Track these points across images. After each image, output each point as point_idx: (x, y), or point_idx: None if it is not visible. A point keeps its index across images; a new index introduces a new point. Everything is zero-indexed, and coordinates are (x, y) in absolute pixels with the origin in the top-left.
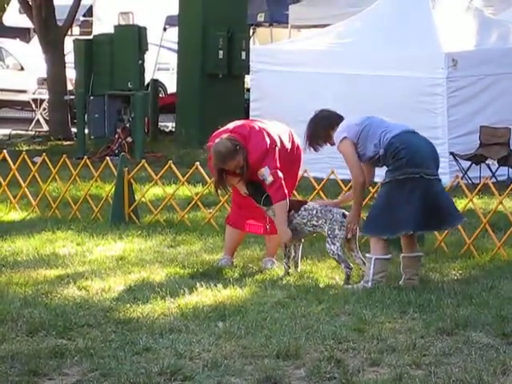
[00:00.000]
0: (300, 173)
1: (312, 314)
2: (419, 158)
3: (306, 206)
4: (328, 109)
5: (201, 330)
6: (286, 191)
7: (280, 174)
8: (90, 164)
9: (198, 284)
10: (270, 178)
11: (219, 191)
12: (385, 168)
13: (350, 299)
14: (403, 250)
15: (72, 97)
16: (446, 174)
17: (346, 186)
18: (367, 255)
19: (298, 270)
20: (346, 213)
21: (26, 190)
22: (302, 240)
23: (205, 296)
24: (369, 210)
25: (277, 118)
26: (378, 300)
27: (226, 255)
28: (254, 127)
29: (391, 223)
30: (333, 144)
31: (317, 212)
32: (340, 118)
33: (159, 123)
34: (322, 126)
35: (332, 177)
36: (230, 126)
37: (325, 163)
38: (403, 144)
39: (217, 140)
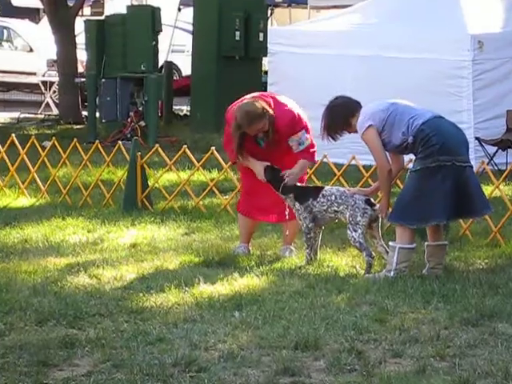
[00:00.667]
0: (318, 158)
1: (332, 304)
2: (451, 144)
3: (324, 192)
4: (344, 95)
5: (216, 319)
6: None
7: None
8: (101, 148)
9: (213, 273)
10: (307, 142)
11: (240, 158)
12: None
13: (372, 289)
14: (428, 238)
15: (83, 79)
16: (472, 160)
17: (367, 172)
18: (391, 243)
19: (317, 257)
20: (370, 199)
21: (35, 175)
22: (322, 228)
23: (220, 285)
24: (396, 197)
25: (295, 101)
26: (401, 290)
27: (242, 243)
28: (275, 97)
29: (422, 213)
30: (352, 132)
31: (336, 198)
32: (359, 105)
33: (173, 107)
34: (342, 114)
35: (353, 163)
36: (249, 96)
37: (345, 148)
38: (434, 130)
39: (243, 102)
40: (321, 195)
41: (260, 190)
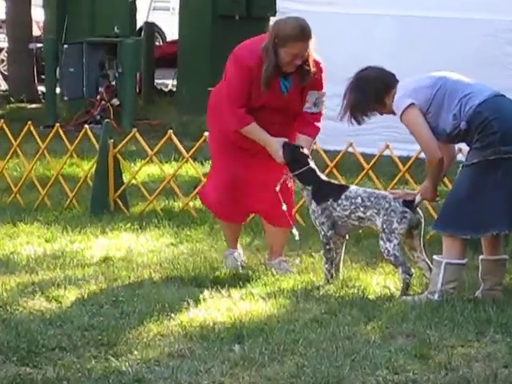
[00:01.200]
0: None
1: (359, 336)
2: None
3: (347, 192)
4: (375, 65)
5: (210, 355)
6: None
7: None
8: (62, 134)
9: (206, 294)
10: (321, 107)
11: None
12: None
13: (410, 316)
14: (484, 251)
15: (39, 45)
16: None
17: (404, 165)
18: (435, 258)
19: (340, 275)
20: (409, 200)
21: None
22: (346, 237)
23: (216, 310)
24: (444, 199)
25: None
26: (448, 317)
27: (229, 248)
28: None
29: (478, 219)
30: (384, 113)
31: (363, 200)
32: (395, 78)
33: (155, 81)
34: (373, 90)
35: (386, 153)
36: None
37: (376, 135)
38: (494, 113)
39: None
40: (343, 197)
41: (250, 192)
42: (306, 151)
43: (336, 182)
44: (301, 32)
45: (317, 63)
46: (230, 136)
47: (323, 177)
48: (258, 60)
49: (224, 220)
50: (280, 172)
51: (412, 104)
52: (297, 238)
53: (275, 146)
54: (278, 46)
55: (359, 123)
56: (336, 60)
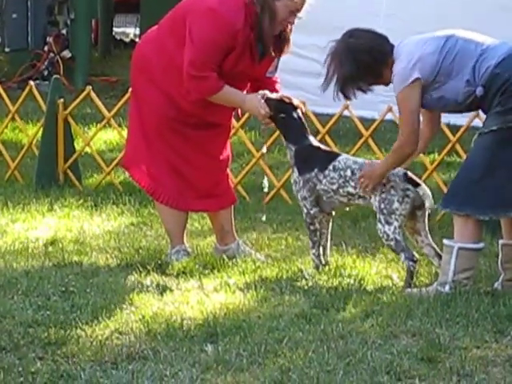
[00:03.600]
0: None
1: (355, 334)
2: None
3: (336, 162)
4: (364, 29)
5: (178, 356)
6: None
7: None
8: (2, 93)
9: (173, 285)
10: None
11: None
12: None
13: (416, 311)
14: (504, 235)
15: None
16: None
17: None
18: (446, 242)
19: (328, 260)
20: (410, 173)
21: None
22: (333, 213)
23: (185, 303)
24: (457, 173)
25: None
26: (460, 313)
27: (176, 245)
28: None
29: (498, 197)
30: (380, 84)
31: (353, 172)
32: (390, 44)
33: (114, 29)
34: (370, 61)
35: (388, 117)
36: None
37: (376, 95)
38: None
39: None
40: (331, 167)
41: (193, 161)
42: (295, 101)
43: (325, 148)
44: None
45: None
46: (178, 105)
47: (313, 140)
48: (244, 21)
49: (168, 205)
50: (225, 147)
51: (417, 79)
52: (265, 189)
53: (254, 101)
54: None
55: (348, 98)
56: (330, 7)
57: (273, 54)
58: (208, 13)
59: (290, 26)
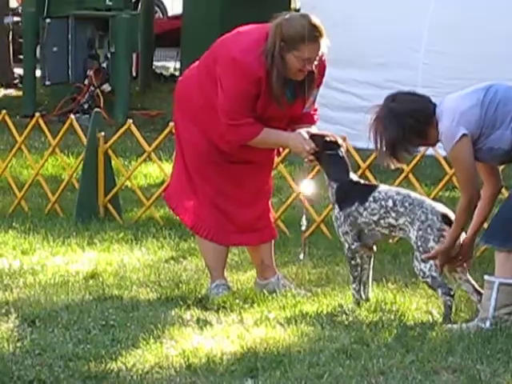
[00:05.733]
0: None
1: (396, 370)
2: None
3: (376, 193)
4: (406, 91)
5: None
6: None
7: None
8: (43, 125)
9: (213, 319)
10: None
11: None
12: None
13: (457, 347)
14: None
15: (16, 19)
16: None
17: (451, 168)
18: (487, 278)
19: (370, 296)
20: (449, 214)
21: None
22: (374, 249)
23: (225, 338)
24: (498, 207)
25: (340, 52)
26: (501, 349)
27: (216, 279)
28: None
29: None
30: (429, 145)
31: (395, 204)
32: (432, 103)
33: (154, 63)
34: (414, 124)
35: (429, 152)
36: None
37: None
38: None
39: (288, 16)
40: (371, 198)
41: (234, 196)
42: (339, 139)
43: (364, 182)
44: (312, 30)
45: (320, 58)
46: (218, 145)
47: (353, 176)
48: (266, 67)
49: (213, 239)
50: (266, 182)
51: (464, 135)
52: (303, 228)
53: (299, 138)
54: (285, 50)
55: (401, 161)
56: (367, 43)
57: (302, 95)
58: (231, 62)
59: (312, 69)
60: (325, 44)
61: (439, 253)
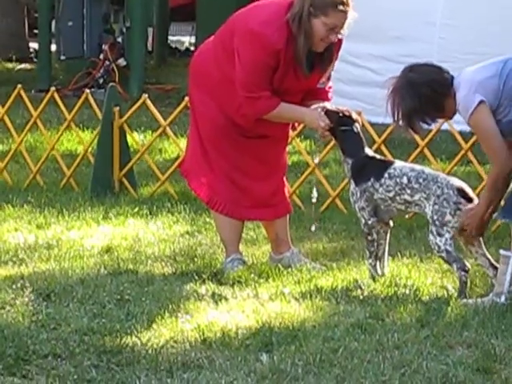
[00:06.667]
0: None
1: (410, 345)
2: None
3: (391, 170)
4: (424, 62)
5: (233, 365)
6: None
7: None
8: (59, 100)
9: (228, 293)
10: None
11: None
12: None
13: (472, 322)
14: None
15: None
16: None
17: (466, 143)
18: (502, 252)
19: (385, 271)
20: (465, 187)
21: None
22: (391, 224)
23: (240, 312)
24: None
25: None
26: None
27: (232, 253)
28: None
29: None
30: (444, 118)
31: (410, 180)
32: (450, 75)
33: (169, 37)
34: (431, 95)
35: (445, 127)
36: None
37: None
38: None
39: None
40: (386, 175)
41: (249, 170)
42: (353, 114)
43: (380, 158)
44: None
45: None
46: (232, 118)
47: (369, 151)
48: (285, 39)
49: (229, 214)
50: (282, 156)
51: (482, 102)
52: (314, 200)
53: (314, 114)
54: (312, 15)
55: (418, 132)
56: (384, 17)
57: (320, 69)
58: (249, 34)
59: (335, 41)
60: (351, 16)
61: (472, 216)
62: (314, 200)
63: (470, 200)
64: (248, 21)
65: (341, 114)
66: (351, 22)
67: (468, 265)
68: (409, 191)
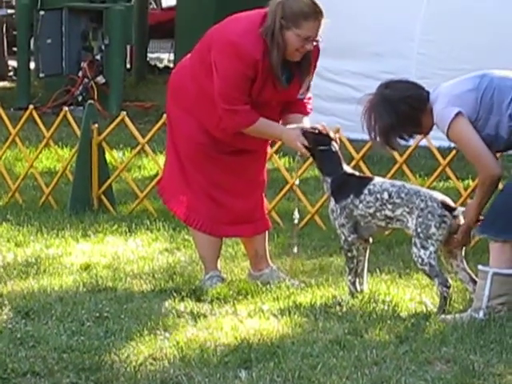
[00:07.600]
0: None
1: (389, 361)
2: None
3: (371, 186)
4: (399, 79)
5: (212, 382)
6: None
7: None
8: (37, 118)
9: (207, 311)
10: (310, 89)
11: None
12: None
13: (450, 338)
14: None
15: (10, 11)
16: None
17: (444, 158)
18: (481, 268)
19: (364, 288)
20: (447, 200)
21: None
22: (370, 241)
23: (219, 329)
24: (494, 197)
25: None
26: (495, 339)
27: (210, 271)
28: None
29: None
30: (421, 134)
31: (391, 196)
32: (425, 91)
33: (148, 54)
34: (407, 111)
35: (423, 143)
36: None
37: None
38: None
39: None
40: (366, 191)
41: (228, 187)
42: (331, 133)
43: (359, 174)
44: (314, 8)
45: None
46: (212, 134)
47: (347, 168)
48: (263, 50)
49: (202, 231)
50: (261, 173)
51: (459, 113)
52: (296, 221)
53: (292, 134)
54: (285, 27)
55: (395, 148)
56: (363, 35)
57: (299, 78)
58: (227, 45)
59: (311, 49)
60: (324, 24)
61: (462, 232)
62: (296, 221)
63: (452, 210)
64: (225, 33)
65: (318, 133)
66: (325, 30)
67: (450, 281)
68: (390, 206)
